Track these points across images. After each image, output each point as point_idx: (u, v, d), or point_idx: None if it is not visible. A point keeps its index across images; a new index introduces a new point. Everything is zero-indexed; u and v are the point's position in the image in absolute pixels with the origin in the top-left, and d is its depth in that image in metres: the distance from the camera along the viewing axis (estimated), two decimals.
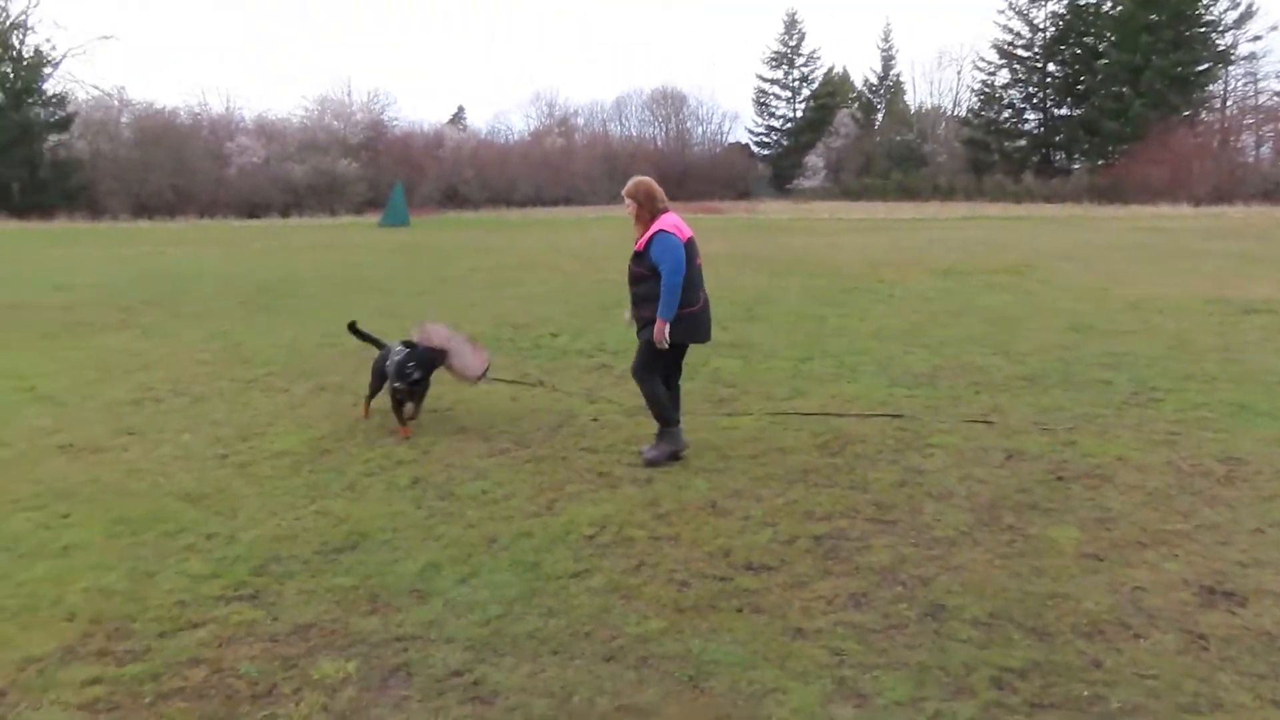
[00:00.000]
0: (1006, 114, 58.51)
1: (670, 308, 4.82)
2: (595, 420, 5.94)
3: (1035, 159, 56.43)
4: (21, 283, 14.45)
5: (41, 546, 3.92)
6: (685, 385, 6.69)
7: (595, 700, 2.77)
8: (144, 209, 42.22)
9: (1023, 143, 57.82)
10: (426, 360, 5.61)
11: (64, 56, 44.65)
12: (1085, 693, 2.77)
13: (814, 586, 3.51)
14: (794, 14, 69.44)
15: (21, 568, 3.70)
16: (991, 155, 56.91)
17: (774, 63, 69.53)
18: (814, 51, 69.65)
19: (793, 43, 69.06)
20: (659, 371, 5.09)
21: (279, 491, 4.63)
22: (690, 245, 4.93)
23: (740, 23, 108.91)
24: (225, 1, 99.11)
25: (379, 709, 2.74)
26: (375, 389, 5.94)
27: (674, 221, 4.91)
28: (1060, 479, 4.66)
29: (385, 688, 2.85)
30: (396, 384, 5.53)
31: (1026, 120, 58.16)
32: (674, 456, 5.04)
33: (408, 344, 5.71)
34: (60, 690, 2.83)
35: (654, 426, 5.21)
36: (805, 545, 3.90)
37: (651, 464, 4.97)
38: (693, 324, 4.97)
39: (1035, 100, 57.37)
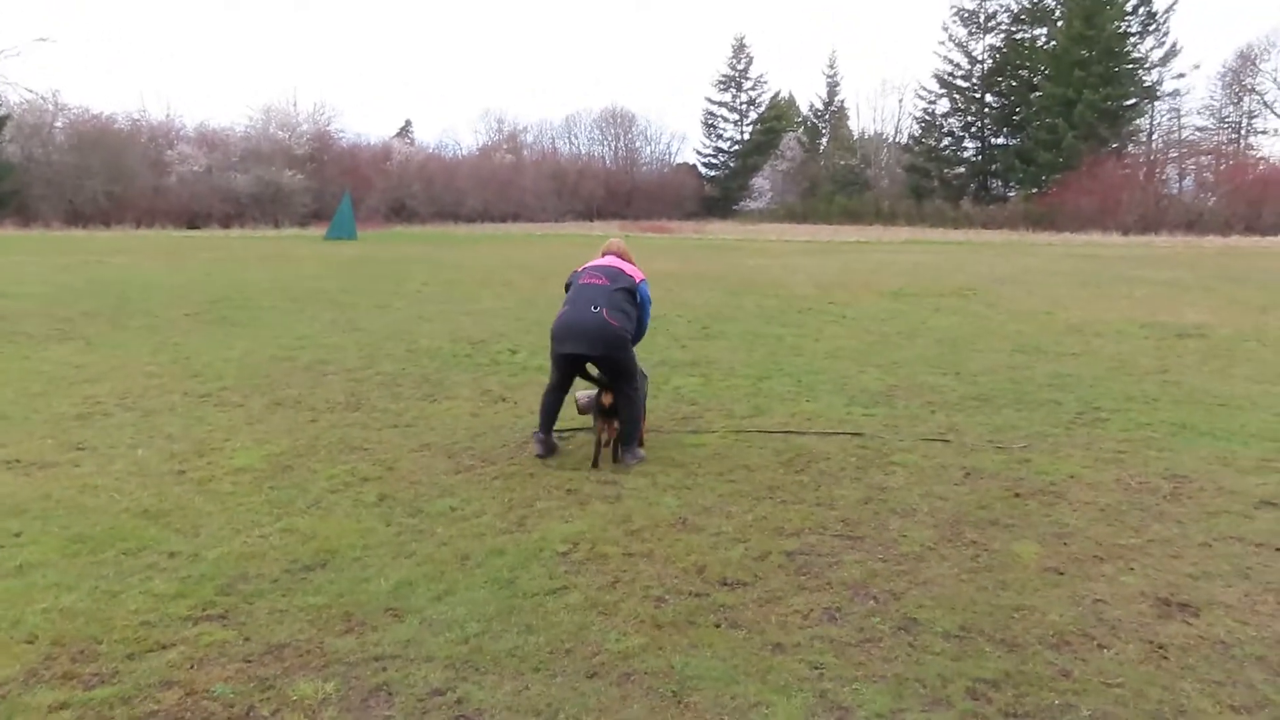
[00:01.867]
0: (946, 141, 60.30)
1: None
2: (560, 436, 5.93)
3: (973, 186, 58.19)
4: None
5: None
6: (649, 404, 6.76)
7: (581, 718, 2.78)
8: (78, 216, 40.92)
9: (961, 170, 59.59)
10: None
11: None
12: (1056, 701, 2.86)
13: (789, 601, 3.56)
14: (742, 39, 70.52)
15: None
16: (932, 181, 58.51)
17: (722, 85, 70.50)
18: (761, 76, 70.79)
19: (741, 66, 70.14)
20: (553, 379, 5.52)
21: (241, 509, 4.53)
22: (582, 273, 5.52)
23: (690, 46, 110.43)
24: (167, 7, 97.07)
25: None
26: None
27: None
28: (1018, 496, 4.81)
29: (366, 708, 2.82)
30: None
31: (965, 148, 60.03)
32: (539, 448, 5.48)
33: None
34: (26, 716, 2.72)
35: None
36: (777, 561, 3.96)
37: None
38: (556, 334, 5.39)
39: (974, 129, 59.23)
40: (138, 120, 48.66)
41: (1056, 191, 47.21)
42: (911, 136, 62.91)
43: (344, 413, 6.56)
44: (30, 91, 44.48)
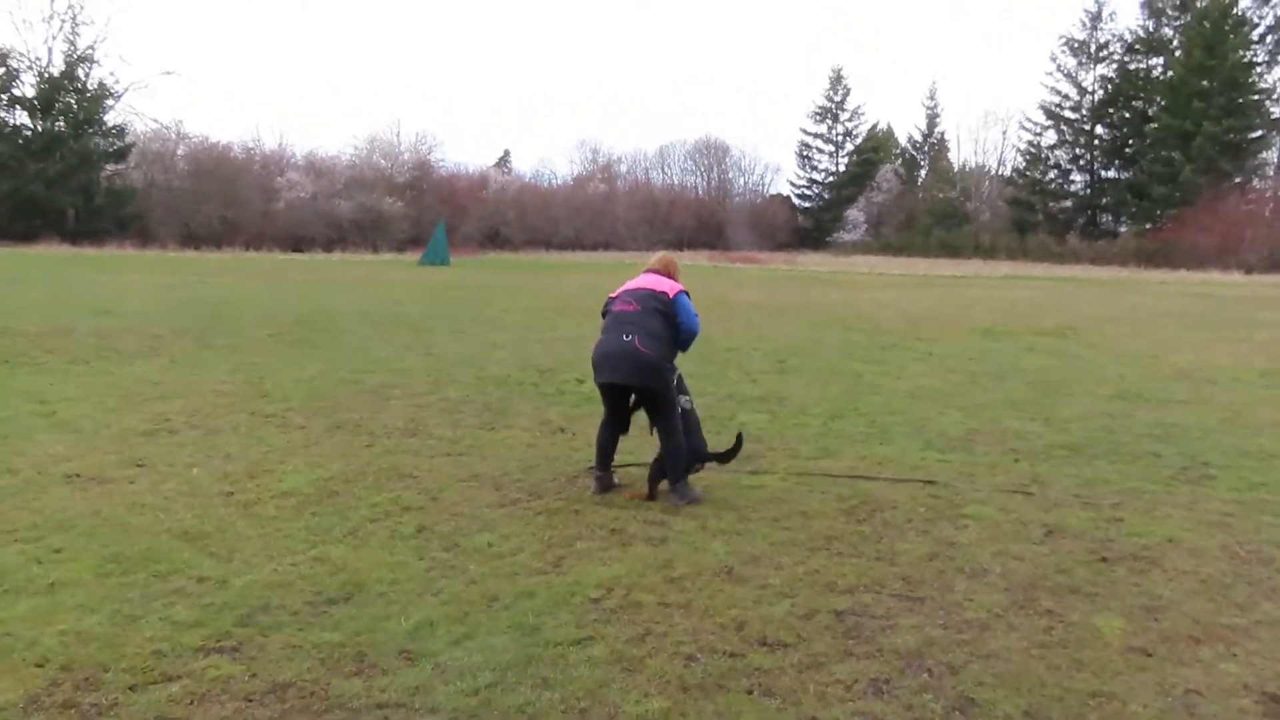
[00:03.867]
0: (1052, 174, 58.20)
1: None
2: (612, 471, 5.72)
3: (1081, 220, 55.89)
4: (66, 307, 14.70)
5: (29, 582, 3.78)
6: (712, 439, 6.48)
7: None
8: (193, 239, 43.35)
9: (1068, 204, 57.39)
10: None
11: (126, 90, 46.44)
12: None
13: (832, 669, 3.23)
14: (840, 70, 69.96)
15: (3, 605, 3.55)
16: (1035, 215, 56.47)
17: (818, 117, 70.00)
18: (859, 107, 70.09)
19: (838, 98, 69.54)
20: (605, 412, 5.38)
21: (279, 534, 4.46)
22: (615, 299, 5.30)
23: (786, 77, 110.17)
24: (284, 42, 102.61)
25: None
26: None
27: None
28: (1104, 560, 4.34)
29: None
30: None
31: (1072, 181, 57.89)
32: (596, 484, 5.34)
33: None
34: None
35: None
36: (825, 621, 3.63)
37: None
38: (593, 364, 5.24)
39: (1082, 162, 57.05)
40: (252, 149, 51.37)
41: (1172, 227, 44.90)
42: (1015, 169, 61.04)
43: (400, 438, 6.51)
44: (155, 121, 47.59)
